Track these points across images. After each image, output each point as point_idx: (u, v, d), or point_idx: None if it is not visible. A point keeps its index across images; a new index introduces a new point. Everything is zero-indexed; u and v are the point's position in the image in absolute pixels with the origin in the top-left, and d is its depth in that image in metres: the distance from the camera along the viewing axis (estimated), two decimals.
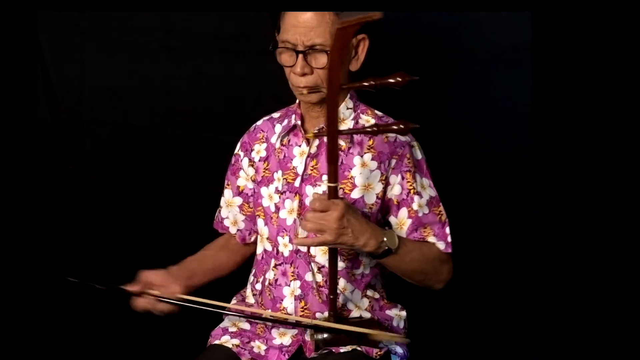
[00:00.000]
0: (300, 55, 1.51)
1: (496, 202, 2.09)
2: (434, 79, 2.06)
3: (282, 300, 1.64)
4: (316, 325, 1.56)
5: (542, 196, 1.45)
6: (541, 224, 1.45)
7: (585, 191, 1.41)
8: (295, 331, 1.64)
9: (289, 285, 1.64)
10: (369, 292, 1.66)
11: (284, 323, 1.64)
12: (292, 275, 1.63)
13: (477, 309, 2.14)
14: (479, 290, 2.12)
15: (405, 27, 2.06)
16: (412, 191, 1.59)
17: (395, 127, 1.39)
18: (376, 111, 1.66)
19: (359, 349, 1.57)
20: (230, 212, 1.78)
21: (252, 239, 1.78)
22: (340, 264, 1.60)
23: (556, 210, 1.43)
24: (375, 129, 1.40)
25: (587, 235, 1.41)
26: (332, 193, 1.43)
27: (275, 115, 1.74)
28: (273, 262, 1.66)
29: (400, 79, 1.33)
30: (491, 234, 2.10)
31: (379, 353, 1.58)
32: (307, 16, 1.49)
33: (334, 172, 1.41)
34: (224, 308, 1.65)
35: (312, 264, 1.61)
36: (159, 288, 1.60)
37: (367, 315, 1.64)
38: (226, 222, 1.79)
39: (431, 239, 1.60)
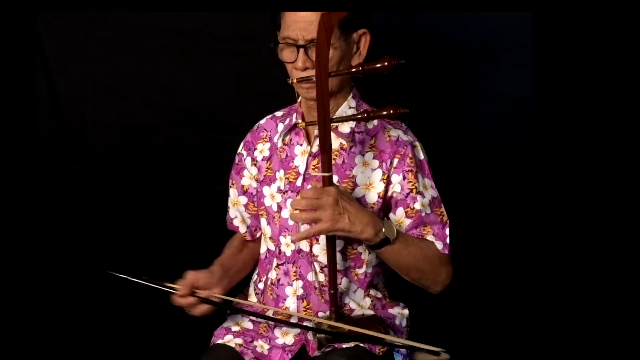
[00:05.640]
0: (302, 50, 1.52)
1: (496, 201, 2.09)
2: (434, 77, 2.07)
3: (284, 299, 1.64)
4: (335, 332, 1.53)
5: (542, 195, 1.45)
6: (541, 223, 1.45)
7: (586, 190, 1.42)
8: (297, 330, 1.64)
9: (291, 285, 1.64)
10: (372, 292, 1.66)
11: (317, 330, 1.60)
12: (295, 275, 1.63)
13: (478, 307, 2.14)
14: (480, 289, 2.12)
15: (406, 25, 2.07)
16: (413, 191, 1.59)
17: (385, 112, 1.42)
18: None
19: (361, 345, 1.56)
20: (237, 210, 1.77)
21: (258, 235, 1.78)
22: (343, 264, 1.60)
23: (556, 210, 1.44)
24: (365, 115, 1.42)
25: (588, 234, 1.41)
26: (327, 183, 1.43)
27: (279, 113, 1.74)
28: (275, 261, 1.66)
29: (387, 63, 1.38)
30: (492, 233, 2.09)
31: (381, 350, 1.58)
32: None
33: (328, 161, 1.41)
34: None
35: (315, 263, 1.61)
36: (203, 290, 1.59)
37: (370, 313, 1.64)
38: (235, 222, 1.79)
39: (430, 237, 1.60)
